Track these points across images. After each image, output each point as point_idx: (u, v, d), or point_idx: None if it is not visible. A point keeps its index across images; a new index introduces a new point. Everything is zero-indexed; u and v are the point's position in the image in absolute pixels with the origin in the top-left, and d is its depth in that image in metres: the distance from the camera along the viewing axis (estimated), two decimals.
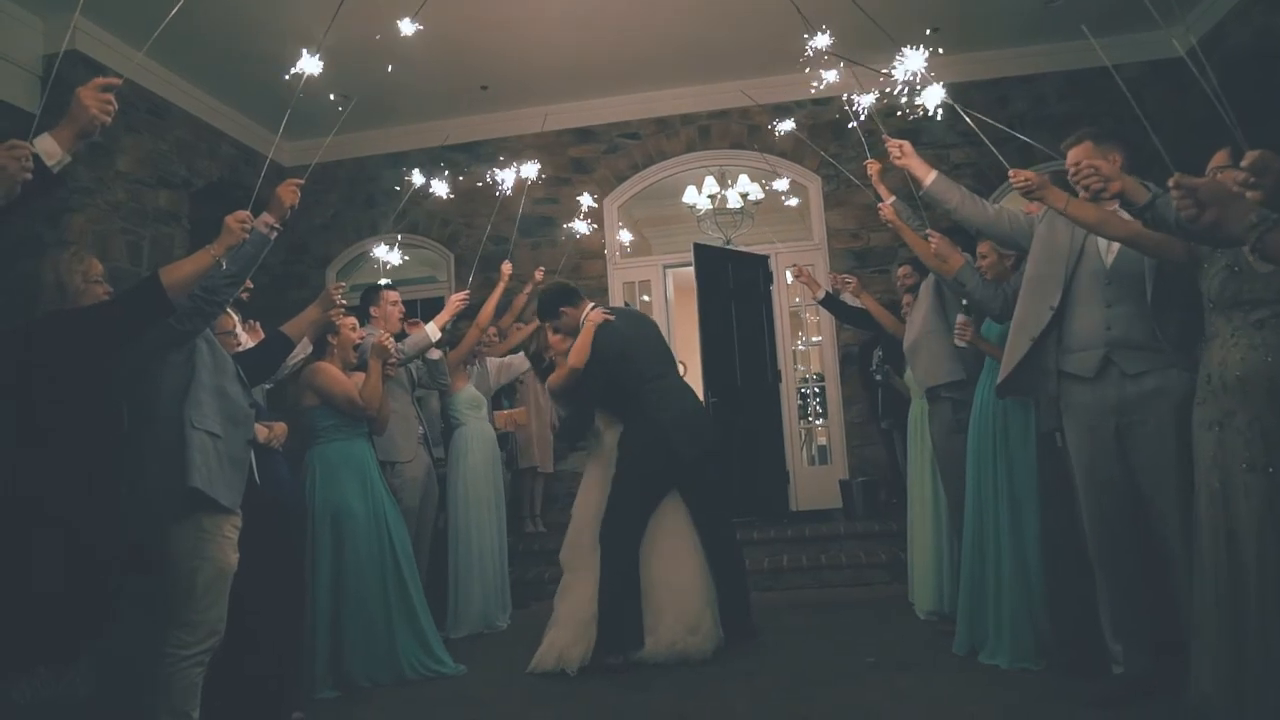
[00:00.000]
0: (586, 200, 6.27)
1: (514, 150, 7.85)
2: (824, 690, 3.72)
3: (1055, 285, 3.23)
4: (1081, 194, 2.97)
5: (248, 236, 2.84)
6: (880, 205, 4.35)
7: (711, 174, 7.87)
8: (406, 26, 3.17)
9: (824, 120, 7.18)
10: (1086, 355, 3.16)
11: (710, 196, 7.92)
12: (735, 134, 7.71)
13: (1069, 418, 3.27)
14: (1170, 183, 2.21)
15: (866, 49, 4.01)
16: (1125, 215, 3.03)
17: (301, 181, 3.08)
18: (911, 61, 3.48)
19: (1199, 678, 2.59)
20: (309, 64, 2.92)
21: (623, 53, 6.85)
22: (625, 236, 7.26)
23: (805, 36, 3.63)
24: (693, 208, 8.13)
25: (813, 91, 4.16)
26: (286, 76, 2.96)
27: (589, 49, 6.74)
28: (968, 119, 3.42)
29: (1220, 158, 2.75)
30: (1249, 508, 2.40)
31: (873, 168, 4.28)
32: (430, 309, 7.90)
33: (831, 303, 5.70)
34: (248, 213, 2.85)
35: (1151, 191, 2.75)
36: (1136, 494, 3.09)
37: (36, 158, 2.17)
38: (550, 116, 7.63)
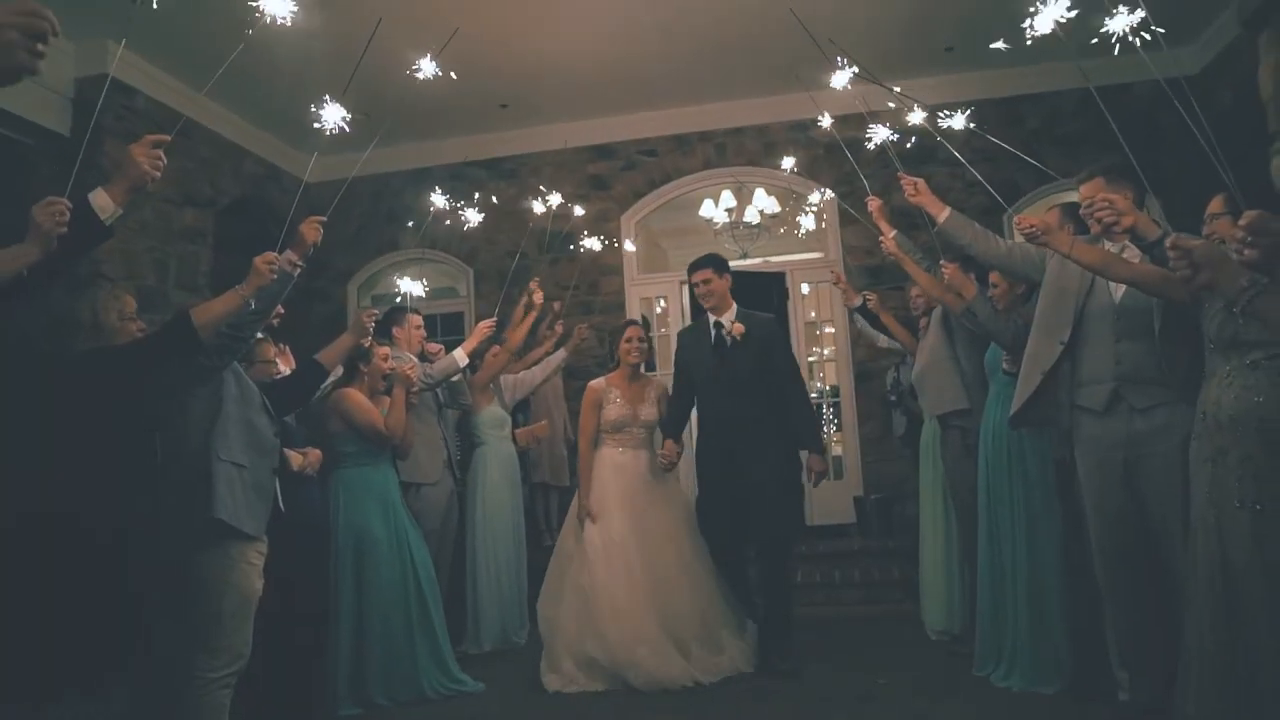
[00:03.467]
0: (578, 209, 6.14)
1: (533, 167, 7.98)
2: (838, 711, 3.78)
3: (1066, 320, 3.29)
4: (1094, 226, 3.04)
5: (275, 277, 2.94)
6: (882, 239, 4.44)
7: (728, 188, 7.93)
8: (428, 67, 3.25)
9: (842, 136, 7.21)
10: (1097, 389, 3.21)
11: (728, 210, 7.98)
12: (751, 151, 7.77)
13: (1080, 450, 3.32)
14: (1167, 244, 2.28)
15: (881, 69, 4.09)
16: (1134, 251, 3.10)
17: (324, 219, 3.17)
18: (916, 115, 3.59)
19: (1183, 704, 2.65)
20: (333, 112, 3.02)
21: (640, 71, 6.91)
22: (629, 246, 7.24)
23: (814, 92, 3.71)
24: (710, 221, 8.20)
25: (823, 117, 4.25)
26: (316, 125, 3.05)
27: (607, 68, 6.81)
28: (969, 165, 3.49)
29: (1216, 204, 2.82)
30: (1240, 544, 2.46)
31: (873, 204, 4.37)
32: (449, 324, 8.06)
33: (866, 311, 5.71)
34: (275, 254, 2.94)
35: (1162, 228, 2.82)
36: (1145, 525, 3.13)
37: (91, 211, 2.29)
38: (569, 134, 7.75)
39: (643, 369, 4.93)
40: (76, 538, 2.55)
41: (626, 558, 4.37)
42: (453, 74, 3.31)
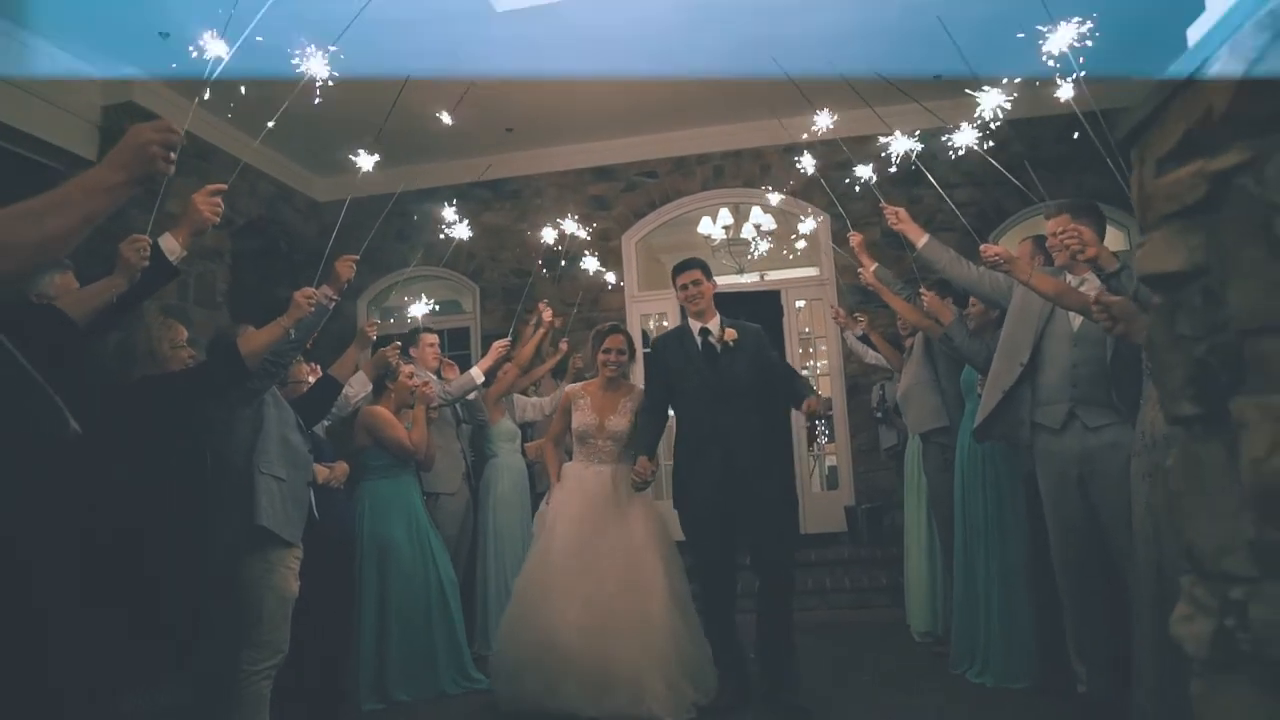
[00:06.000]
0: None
1: (536, 188, 8.28)
2: (826, 709, 4.05)
3: (1026, 344, 3.61)
4: (1060, 256, 3.36)
5: (313, 310, 3.25)
6: (861, 271, 4.73)
7: (726, 206, 8.23)
8: (446, 118, 3.57)
9: (834, 160, 7.49)
10: (1054, 409, 3.52)
11: (725, 228, 8.26)
12: (748, 173, 8.07)
13: (1040, 464, 3.63)
14: (1092, 300, 2.63)
15: (871, 94, 4.38)
16: (1095, 283, 3.41)
17: (357, 257, 3.49)
18: (899, 145, 3.88)
19: (1138, 691, 2.95)
20: (365, 161, 3.34)
21: (641, 96, 7.20)
22: (612, 278, 7.33)
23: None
24: (707, 238, 8.48)
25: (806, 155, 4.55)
26: (354, 172, 3.36)
27: (609, 93, 7.08)
28: (958, 186, 3.78)
29: None
30: (1174, 550, 2.76)
31: (855, 239, 4.64)
32: (455, 339, 8.35)
33: (866, 339, 5.99)
34: (313, 289, 3.26)
35: (1120, 262, 3.15)
36: (1097, 533, 3.44)
37: (159, 252, 2.60)
38: (571, 156, 8.05)
39: (625, 378, 4.63)
40: (142, 547, 2.85)
41: (562, 579, 4.08)
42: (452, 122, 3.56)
